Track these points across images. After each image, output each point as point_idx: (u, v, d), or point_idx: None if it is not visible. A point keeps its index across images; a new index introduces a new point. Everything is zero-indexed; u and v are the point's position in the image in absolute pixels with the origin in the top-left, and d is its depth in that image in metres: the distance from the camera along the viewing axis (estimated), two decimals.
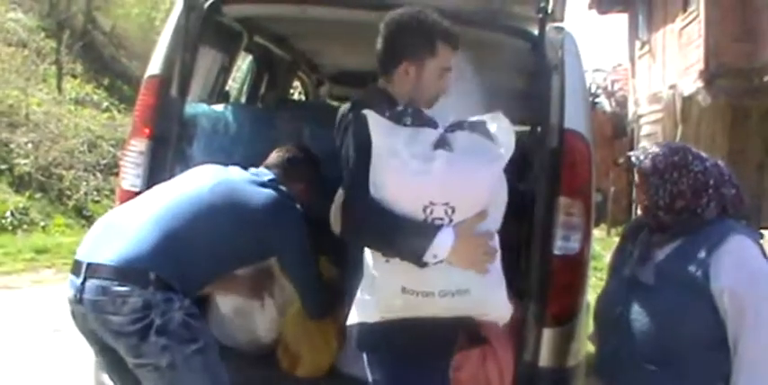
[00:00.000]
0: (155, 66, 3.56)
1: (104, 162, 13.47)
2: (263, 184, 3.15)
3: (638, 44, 18.33)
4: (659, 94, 15.45)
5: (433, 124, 2.54)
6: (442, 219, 2.42)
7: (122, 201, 3.55)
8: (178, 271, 2.84)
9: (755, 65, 12.26)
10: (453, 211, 2.42)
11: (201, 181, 3.07)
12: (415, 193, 2.41)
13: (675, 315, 2.59)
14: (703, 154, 2.74)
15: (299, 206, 3.24)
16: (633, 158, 2.77)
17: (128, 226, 2.89)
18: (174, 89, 3.55)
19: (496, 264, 2.54)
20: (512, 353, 3.33)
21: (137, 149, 3.52)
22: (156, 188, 3.14)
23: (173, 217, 2.90)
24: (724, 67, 12.54)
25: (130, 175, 3.54)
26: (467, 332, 3.33)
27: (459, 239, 2.41)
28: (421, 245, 2.39)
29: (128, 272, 2.80)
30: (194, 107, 3.70)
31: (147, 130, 3.51)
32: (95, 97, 16.47)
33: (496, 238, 2.54)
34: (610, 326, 2.79)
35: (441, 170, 2.39)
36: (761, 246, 2.64)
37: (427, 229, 2.40)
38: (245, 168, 3.27)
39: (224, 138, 3.62)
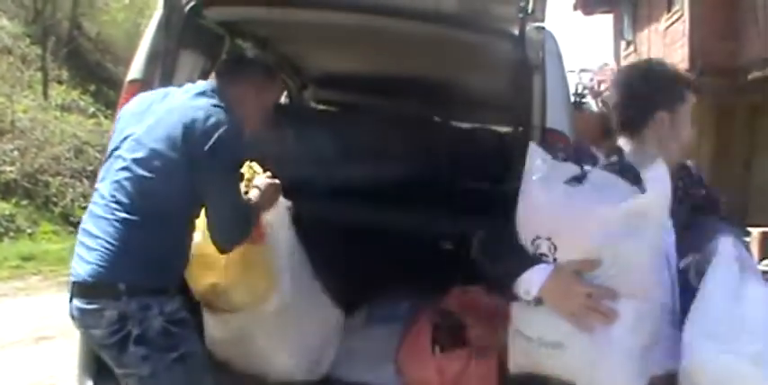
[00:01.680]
0: (135, 70, 3.53)
1: (91, 168, 13.38)
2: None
3: (623, 44, 18.40)
4: None
5: (589, 161, 2.42)
6: (546, 255, 2.26)
7: None
8: (149, 268, 2.77)
9: (740, 63, 12.31)
10: (555, 249, 2.25)
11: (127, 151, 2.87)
12: (528, 225, 2.32)
13: None
14: None
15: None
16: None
17: (92, 233, 2.82)
18: None
19: (616, 332, 2.20)
20: (497, 355, 3.32)
21: None
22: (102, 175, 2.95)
23: (122, 208, 2.78)
24: (709, 65, 12.58)
25: None
26: (450, 334, 3.33)
27: (554, 278, 2.22)
28: (516, 276, 2.27)
29: (98, 286, 2.77)
30: None
31: None
32: (81, 103, 16.40)
33: (625, 302, 2.20)
34: None
35: (552, 202, 2.26)
36: (746, 245, 2.62)
37: (526, 261, 2.27)
38: None
39: None
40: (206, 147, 2.75)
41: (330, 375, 3.63)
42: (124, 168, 2.82)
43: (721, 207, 2.72)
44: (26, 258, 10.09)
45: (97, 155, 13.69)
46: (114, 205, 2.80)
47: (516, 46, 3.41)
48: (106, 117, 15.84)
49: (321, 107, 5.94)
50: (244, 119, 2.94)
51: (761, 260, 9.63)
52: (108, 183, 2.85)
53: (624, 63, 18.33)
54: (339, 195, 4.10)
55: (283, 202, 3.22)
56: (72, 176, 13.21)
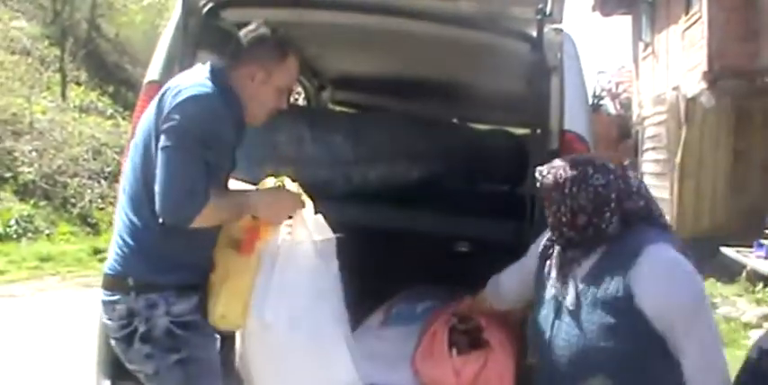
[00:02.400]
0: (153, 71, 3.55)
1: (109, 169, 13.44)
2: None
3: (641, 46, 18.32)
4: (663, 96, 15.43)
5: None
6: None
7: None
8: (158, 265, 2.76)
9: (759, 66, 12.23)
10: None
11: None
12: None
13: (605, 337, 2.53)
14: (611, 165, 2.64)
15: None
16: (537, 173, 2.68)
17: (116, 229, 2.86)
18: None
19: None
20: (512, 357, 3.32)
21: None
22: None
23: (129, 206, 2.80)
24: (727, 68, 12.51)
25: None
26: (467, 336, 3.33)
27: None
28: None
29: (112, 279, 2.82)
30: None
31: None
32: (100, 104, 16.49)
33: None
34: (544, 350, 2.72)
35: None
36: (682, 249, 2.58)
37: None
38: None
39: None
40: (166, 112, 2.68)
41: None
42: (131, 167, 2.84)
43: (657, 217, 2.67)
44: (44, 259, 10.13)
45: (115, 156, 13.74)
46: (124, 203, 2.83)
47: (534, 48, 3.41)
48: (124, 118, 15.90)
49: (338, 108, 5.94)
50: (249, 102, 2.83)
51: None
52: (122, 181, 2.92)
53: (642, 65, 18.29)
54: (355, 196, 4.10)
55: (330, 235, 2.97)
56: (90, 177, 13.25)
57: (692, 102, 13.33)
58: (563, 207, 2.59)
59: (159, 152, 2.66)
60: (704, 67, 12.83)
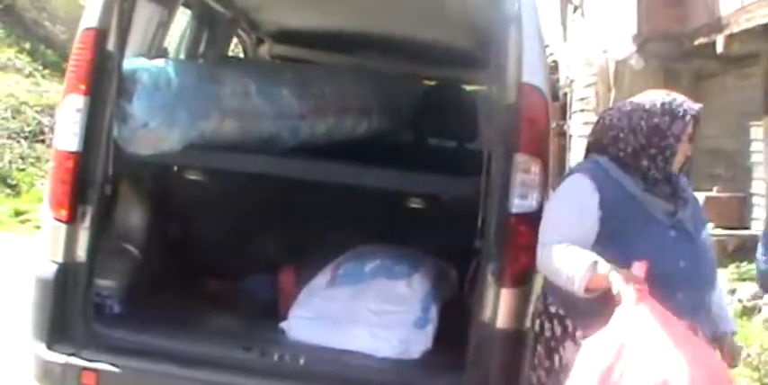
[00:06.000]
0: (91, 17, 3.34)
1: (29, 129, 13.02)
2: None
3: (570, 8, 18.37)
4: (592, 59, 15.51)
5: None
6: None
7: (58, 163, 3.36)
8: None
9: (687, 29, 12.35)
10: None
11: None
12: None
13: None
14: None
15: None
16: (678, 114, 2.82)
17: None
18: (111, 43, 3.35)
19: None
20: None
21: (73, 107, 3.32)
22: None
23: None
24: (656, 31, 12.62)
25: (66, 134, 3.33)
26: None
27: None
28: None
29: None
30: (133, 62, 3.49)
31: (83, 86, 3.31)
32: (18, 62, 15.88)
33: None
34: (677, 282, 2.76)
35: None
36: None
37: None
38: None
39: (166, 95, 3.42)
40: None
41: (291, 337, 3.54)
42: None
43: None
44: None
45: (35, 115, 13.31)
46: None
47: None
48: (44, 77, 15.39)
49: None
50: None
51: None
52: None
53: (571, 27, 18.37)
54: (302, 150, 3.97)
55: None
56: (9, 137, 12.79)
57: (621, 64, 13.43)
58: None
59: None
60: (634, 30, 12.91)
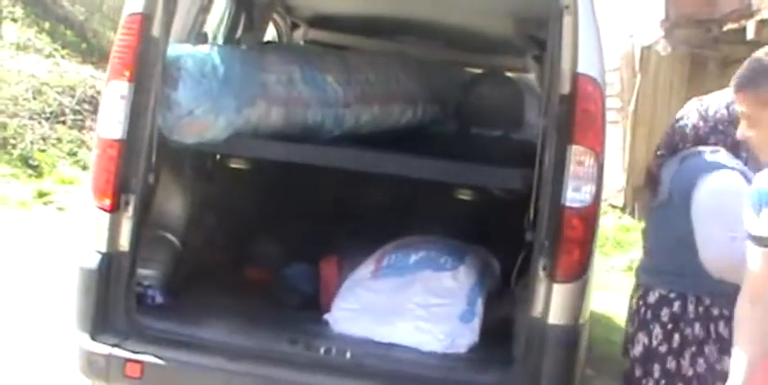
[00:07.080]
0: (136, 2, 3.27)
1: (50, 110, 12.92)
2: None
3: None
4: (618, 44, 15.36)
5: None
6: None
7: (101, 151, 3.30)
8: None
9: (715, 15, 12.22)
10: None
11: None
12: None
13: None
14: None
15: None
16: None
17: None
18: (156, 28, 3.28)
19: None
20: None
21: (117, 93, 3.25)
22: None
23: None
24: (684, 16, 12.48)
25: (110, 122, 3.27)
26: None
27: None
28: None
29: None
30: (178, 48, 3.42)
31: (127, 73, 3.24)
32: (38, 42, 15.80)
33: None
34: None
35: None
36: None
37: None
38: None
39: (212, 82, 3.34)
40: None
41: (336, 330, 3.48)
42: None
43: None
44: None
45: (56, 96, 13.23)
46: None
47: None
48: (63, 57, 15.30)
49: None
50: None
51: None
52: None
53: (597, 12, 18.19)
54: (342, 138, 3.90)
55: None
56: (31, 118, 12.70)
57: (647, 50, 13.29)
58: None
59: None
60: (661, 15, 12.78)
